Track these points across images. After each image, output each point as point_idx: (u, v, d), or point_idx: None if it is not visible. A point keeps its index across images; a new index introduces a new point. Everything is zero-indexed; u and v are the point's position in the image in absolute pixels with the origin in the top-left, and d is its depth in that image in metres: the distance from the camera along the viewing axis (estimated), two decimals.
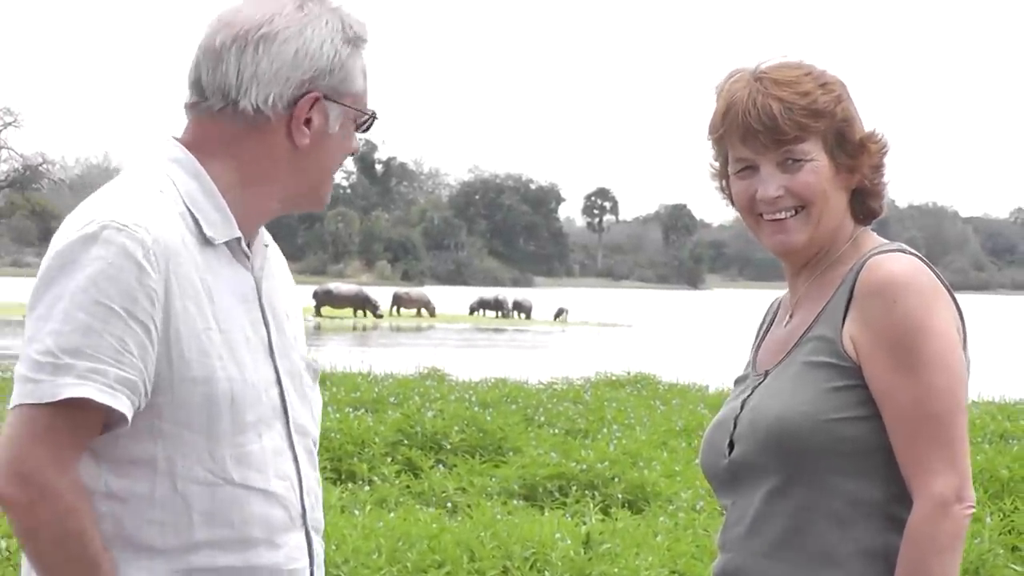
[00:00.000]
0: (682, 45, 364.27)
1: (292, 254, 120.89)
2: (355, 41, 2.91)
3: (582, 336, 54.21)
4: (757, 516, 2.99)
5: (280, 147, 2.88)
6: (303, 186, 2.91)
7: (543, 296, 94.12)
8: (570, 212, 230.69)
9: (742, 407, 3.06)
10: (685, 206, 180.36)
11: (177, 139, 2.91)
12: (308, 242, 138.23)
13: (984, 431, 14.92)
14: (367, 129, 2.96)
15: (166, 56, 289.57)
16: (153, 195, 2.80)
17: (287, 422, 2.87)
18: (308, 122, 2.87)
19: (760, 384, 3.07)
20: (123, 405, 2.69)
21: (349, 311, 65.27)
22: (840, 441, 2.93)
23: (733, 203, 3.14)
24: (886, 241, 3.10)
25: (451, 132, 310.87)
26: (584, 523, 9.45)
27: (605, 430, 14.48)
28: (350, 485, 11.45)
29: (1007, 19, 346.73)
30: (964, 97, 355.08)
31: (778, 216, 3.04)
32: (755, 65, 3.09)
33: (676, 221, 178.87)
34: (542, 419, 15.35)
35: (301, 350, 2.97)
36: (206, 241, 2.82)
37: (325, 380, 17.02)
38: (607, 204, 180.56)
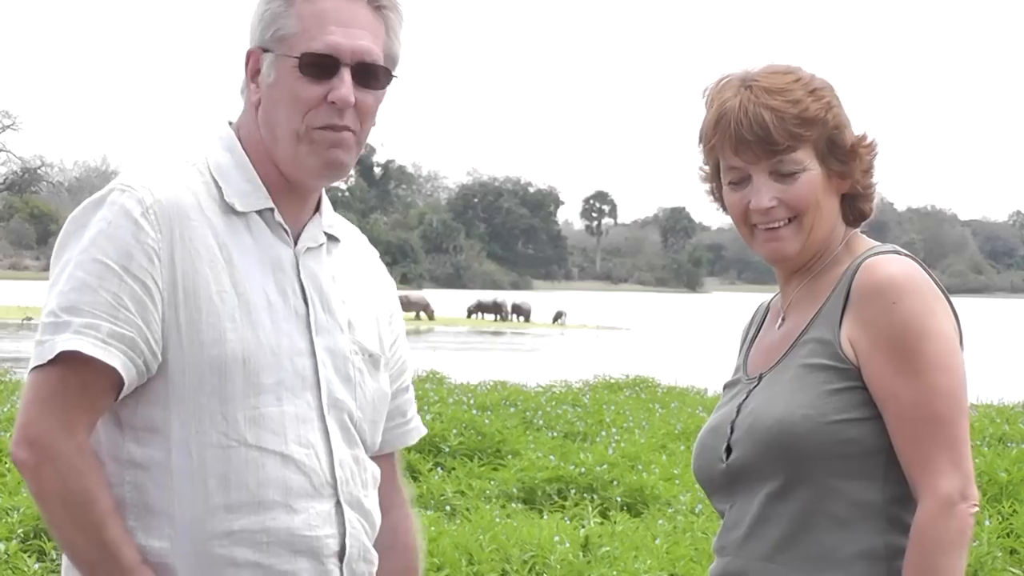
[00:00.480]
0: (680, 48, 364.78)
1: None
2: None
3: (581, 339, 54.20)
4: (757, 519, 2.99)
5: (253, 111, 2.94)
6: (271, 144, 2.91)
7: (541, 299, 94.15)
8: (568, 215, 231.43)
9: (738, 411, 3.05)
10: (683, 209, 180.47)
11: (231, 122, 2.99)
12: None
13: (983, 434, 14.92)
14: (318, 74, 2.86)
15: (165, 60, 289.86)
16: (177, 165, 2.88)
17: (319, 394, 2.88)
18: (257, 79, 2.91)
19: (755, 388, 3.06)
20: (115, 359, 2.73)
21: None
22: (841, 443, 2.93)
23: (724, 208, 3.14)
24: (878, 243, 3.10)
25: (449, 135, 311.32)
26: (583, 526, 9.45)
27: (604, 433, 14.49)
28: None
29: (1006, 21, 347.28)
30: (963, 100, 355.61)
31: (772, 226, 3.05)
32: (743, 71, 3.08)
33: (674, 224, 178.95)
34: (541, 422, 15.35)
35: (361, 337, 2.97)
36: (230, 209, 2.86)
37: None
38: (605, 207, 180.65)
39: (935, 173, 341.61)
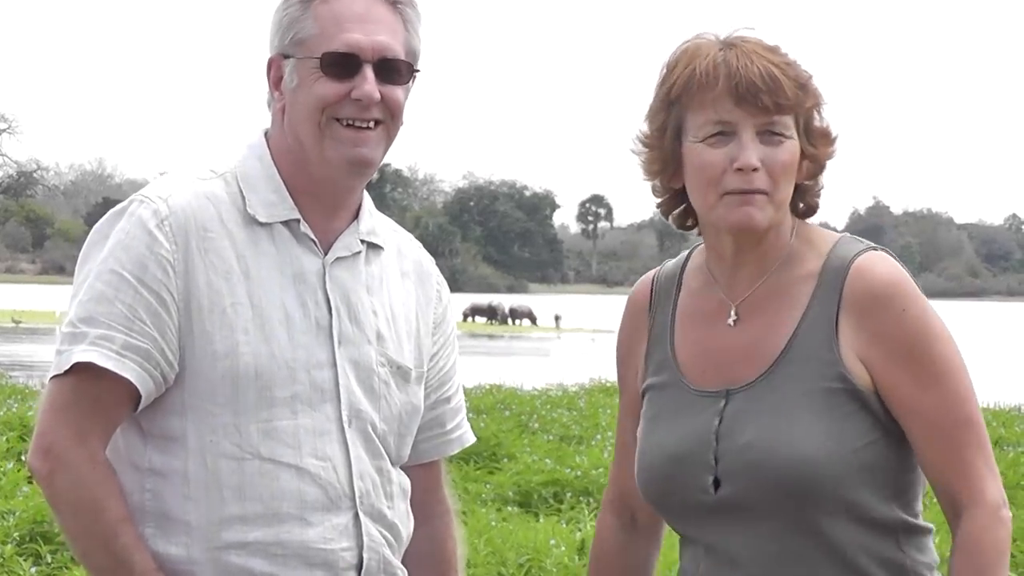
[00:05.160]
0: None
1: None
2: None
3: (577, 342, 54.18)
4: (776, 558, 2.73)
5: (279, 119, 2.93)
6: (298, 149, 2.89)
7: (537, 303, 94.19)
8: (565, 218, 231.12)
9: (717, 438, 2.76)
10: None
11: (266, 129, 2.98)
12: None
13: None
14: (340, 73, 2.84)
15: (161, 63, 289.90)
16: (202, 175, 2.88)
17: (339, 406, 2.86)
18: (280, 86, 2.90)
19: (727, 407, 2.78)
20: (129, 371, 2.74)
21: None
22: (862, 470, 2.71)
23: (658, 172, 2.94)
24: (840, 234, 2.86)
25: (445, 138, 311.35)
26: (579, 529, 9.46)
27: (599, 436, 14.49)
28: None
29: (1003, 24, 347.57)
30: (959, 103, 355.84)
31: (749, 189, 2.76)
32: (716, 35, 2.90)
33: (670, 227, 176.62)
34: (536, 426, 15.37)
35: (391, 349, 2.94)
36: (253, 220, 2.85)
37: None
38: (601, 210, 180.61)
39: (931, 176, 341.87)
